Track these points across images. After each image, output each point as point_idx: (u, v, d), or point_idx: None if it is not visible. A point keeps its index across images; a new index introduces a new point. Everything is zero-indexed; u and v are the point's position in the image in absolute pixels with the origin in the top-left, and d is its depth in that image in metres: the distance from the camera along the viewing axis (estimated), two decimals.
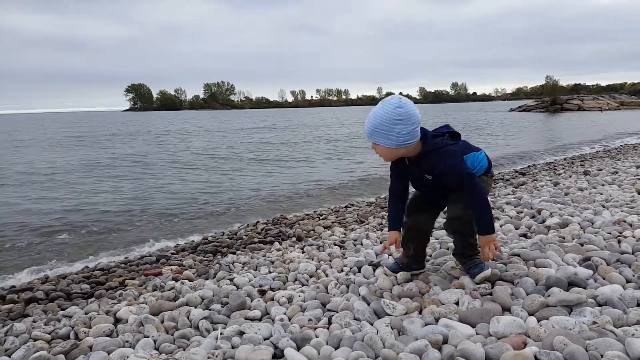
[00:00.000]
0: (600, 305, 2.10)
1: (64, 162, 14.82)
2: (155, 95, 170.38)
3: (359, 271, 3.04)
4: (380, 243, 3.90)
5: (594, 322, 1.92)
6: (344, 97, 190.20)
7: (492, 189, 6.83)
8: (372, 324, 2.16)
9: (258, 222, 6.44)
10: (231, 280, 3.20)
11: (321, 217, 6.33)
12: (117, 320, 2.65)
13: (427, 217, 2.71)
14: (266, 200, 8.57)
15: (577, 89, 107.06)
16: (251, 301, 2.66)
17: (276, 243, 4.68)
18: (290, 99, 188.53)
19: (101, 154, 17.36)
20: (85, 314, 2.84)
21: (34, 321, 2.89)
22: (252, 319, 2.43)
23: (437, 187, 2.50)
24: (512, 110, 57.18)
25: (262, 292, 2.83)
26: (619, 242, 3.02)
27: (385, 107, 2.31)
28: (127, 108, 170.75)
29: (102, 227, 6.79)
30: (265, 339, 2.14)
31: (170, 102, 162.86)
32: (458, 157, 2.38)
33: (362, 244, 3.93)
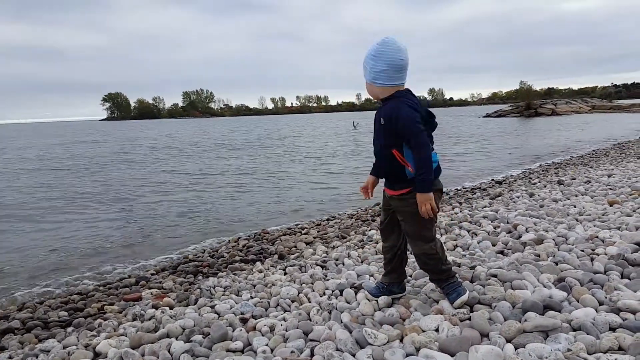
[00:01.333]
0: (574, 330, 2.16)
1: (30, 180, 14.54)
2: (133, 104, 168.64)
3: (341, 294, 3.07)
4: (362, 262, 3.94)
5: (569, 350, 1.98)
6: (324, 103, 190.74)
7: (470, 199, 6.94)
8: (354, 355, 2.19)
9: (239, 238, 6.42)
10: (212, 307, 3.19)
11: (303, 232, 6.34)
12: (97, 355, 2.62)
13: (398, 237, 2.71)
14: (247, 212, 8.55)
15: (550, 92, 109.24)
16: (233, 331, 2.66)
17: (258, 263, 4.67)
18: (270, 105, 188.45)
19: (70, 168, 17.09)
20: (64, 348, 2.79)
21: (10, 357, 2.84)
22: (234, 351, 2.43)
23: (383, 136, 2.45)
24: (487, 115, 58.01)
25: (244, 320, 2.83)
26: (592, 259, 3.10)
27: (373, 43, 2.42)
28: (104, 117, 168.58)
29: (79, 246, 6.69)
30: None
31: (149, 111, 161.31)
32: (417, 114, 2.36)
33: (343, 264, 3.95)
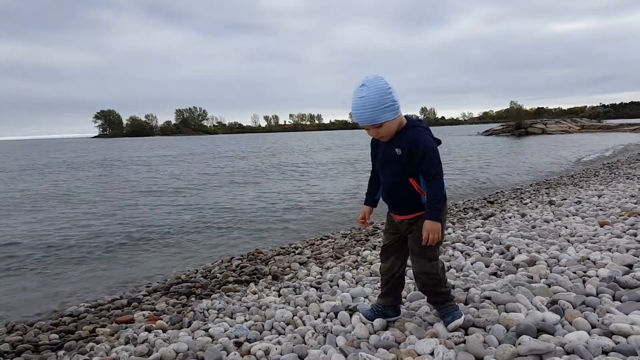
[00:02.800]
0: (568, 354, 2.18)
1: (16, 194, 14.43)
2: (125, 122, 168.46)
3: (336, 317, 3.07)
4: (356, 284, 3.94)
5: None
6: (317, 121, 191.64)
7: (463, 219, 6.98)
8: None
9: (232, 258, 6.40)
10: (206, 330, 3.17)
11: (296, 252, 6.34)
12: None
13: (396, 261, 2.74)
14: (240, 230, 8.54)
15: (540, 112, 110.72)
16: (227, 355, 2.65)
17: (252, 284, 4.66)
18: (263, 123, 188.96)
19: (57, 184, 17.00)
20: None
21: None
22: None
23: (400, 167, 2.47)
24: (478, 134, 58.59)
25: (239, 344, 2.82)
26: (584, 282, 3.14)
27: (372, 84, 2.33)
28: (96, 135, 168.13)
29: (68, 265, 6.63)
30: None
31: (141, 128, 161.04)
32: (435, 144, 2.42)
33: (338, 285, 3.96)
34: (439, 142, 2.51)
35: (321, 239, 7.17)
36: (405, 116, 2.50)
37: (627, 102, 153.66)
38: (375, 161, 2.68)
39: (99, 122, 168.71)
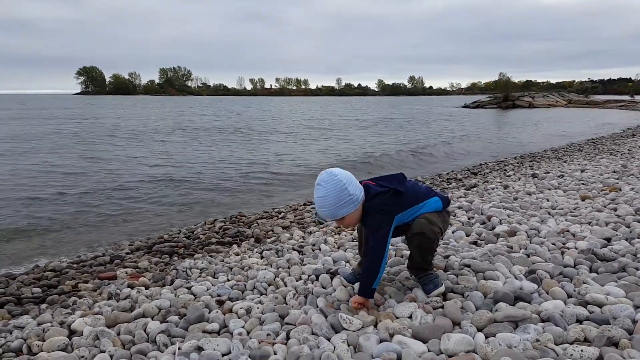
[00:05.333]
0: (543, 321, 2.23)
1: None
2: (108, 79, 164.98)
3: (317, 279, 3.10)
4: (338, 248, 3.97)
5: (537, 340, 2.05)
6: (303, 86, 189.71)
7: (445, 189, 7.04)
8: (329, 339, 2.22)
9: (216, 220, 6.40)
10: (189, 288, 3.18)
11: (279, 216, 6.35)
12: (72, 333, 2.61)
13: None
14: (224, 192, 8.54)
15: (528, 85, 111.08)
16: (209, 312, 2.67)
17: (234, 246, 4.67)
18: (249, 86, 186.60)
19: (42, 140, 16.72)
20: (38, 325, 2.77)
21: None
22: (211, 332, 2.44)
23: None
24: (465, 106, 58.59)
25: (221, 303, 2.85)
26: (563, 253, 3.20)
27: (327, 184, 2.41)
28: (78, 91, 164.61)
29: (51, 222, 6.57)
30: (223, 355, 2.17)
31: (124, 87, 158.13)
32: (386, 217, 2.48)
33: (320, 249, 3.99)
34: (400, 193, 2.54)
35: (304, 205, 7.19)
36: (368, 189, 2.53)
37: (616, 78, 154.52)
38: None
39: (82, 78, 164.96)
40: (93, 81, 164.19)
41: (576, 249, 3.28)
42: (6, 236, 5.98)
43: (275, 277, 3.27)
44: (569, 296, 2.51)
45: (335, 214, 2.44)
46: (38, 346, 2.43)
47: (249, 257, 4.06)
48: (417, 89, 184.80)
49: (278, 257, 3.93)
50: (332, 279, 3.05)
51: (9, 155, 13.11)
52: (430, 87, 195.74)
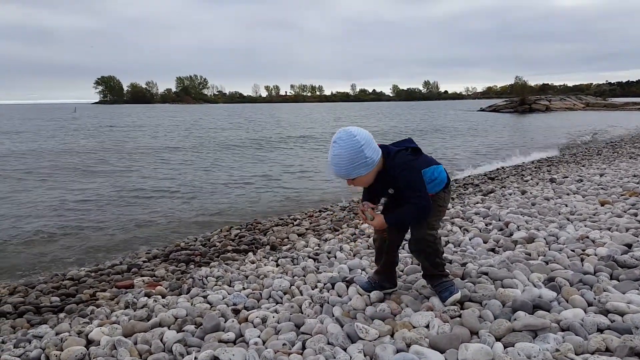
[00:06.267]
0: (563, 330, 2.19)
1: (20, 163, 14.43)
2: (126, 88, 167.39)
3: (333, 287, 3.09)
4: (354, 256, 3.96)
5: (557, 350, 2.01)
6: (318, 93, 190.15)
7: (462, 195, 6.98)
8: (345, 350, 2.21)
9: (232, 227, 6.43)
10: (205, 297, 3.20)
11: (295, 223, 6.36)
12: (89, 342, 2.63)
13: (394, 231, 2.74)
14: (240, 200, 8.58)
15: (545, 88, 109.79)
16: (225, 322, 2.67)
17: (250, 254, 4.68)
18: (264, 93, 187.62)
19: (63, 149, 16.99)
20: (56, 334, 2.80)
21: (3, 342, 2.84)
22: (227, 342, 2.44)
23: (392, 201, 2.63)
24: (482, 109, 58.17)
25: (236, 312, 2.85)
26: (582, 260, 3.14)
27: (344, 143, 2.35)
28: (97, 101, 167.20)
29: (71, 231, 6.67)
30: None
31: (142, 95, 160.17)
32: (417, 173, 2.46)
33: (335, 257, 3.98)
34: (418, 151, 2.58)
35: (320, 211, 7.18)
36: (386, 149, 2.51)
37: (634, 80, 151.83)
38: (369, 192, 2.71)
39: (100, 88, 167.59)
40: (111, 90, 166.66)
41: (596, 255, 3.22)
42: (27, 243, 6.09)
43: (291, 285, 3.26)
44: (589, 304, 2.45)
45: (348, 174, 2.40)
46: (56, 356, 2.45)
47: (265, 265, 4.06)
48: (432, 94, 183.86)
49: (294, 265, 3.93)
50: (348, 287, 3.03)
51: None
52: (446, 92, 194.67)
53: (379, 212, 2.61)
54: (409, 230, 2.68)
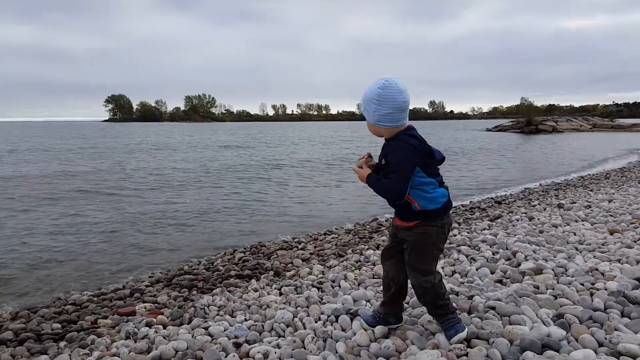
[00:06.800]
0: None
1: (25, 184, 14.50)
2: (135, 106, 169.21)
3: (337, 320, 3.03)
4: (359, 285, 3.90)
5: None
6: (324, 112, 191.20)
7: (469, 220, 6.91)
8: None
9: (235, 250, 6.39)
10: (206, 329, 3.14)
11: (299, 247, 6.31)
12: None
13: (394, 266, 2.67)
14: (244, 220, 8.55)
15: (551, 109, 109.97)
16: (226, 356, 2.62)
17: (253, 281, 4.63)
18: (271, 112, 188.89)
19: (64, 172, 17.07)
20: None
21: None
22: None
23: (385, 172, 2.47)
24: (488, 129, 58.20)
25: (238, 345, 2.80)
26: (592, 295, 3.07)
27: (373, 84, 2.40)
28: (107, 118, 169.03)
29: (74, 252, 6.65)
30: None
31: (151, 114, 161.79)
32: (406, 151, 2.36)
33: (340, 286, 3.92)
34: (440, 155, 2.48)
35: (324, 234, 7.13)
36: (409, 128, 2.47)
37: None
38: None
39: (110, 106, 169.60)
40: (121, 108, 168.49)
41: (606, 289, 3.15)
42: (31, 266, 6.07)
43: (294, 317, 3.20)
44: (600, 344, 2.39)
45: (363, 107, 2.48)
46: None
47: (268, 293, 4.01)
48: (438, 114, 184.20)
49: (297, 294, 3.88)
50: (352, 320, 2.98)
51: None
52: (452, 112, 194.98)
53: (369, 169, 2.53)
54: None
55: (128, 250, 6.78)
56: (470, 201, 9.91)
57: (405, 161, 2.34)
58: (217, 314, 3.56)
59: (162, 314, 3.72)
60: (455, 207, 9.13)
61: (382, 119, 2.39)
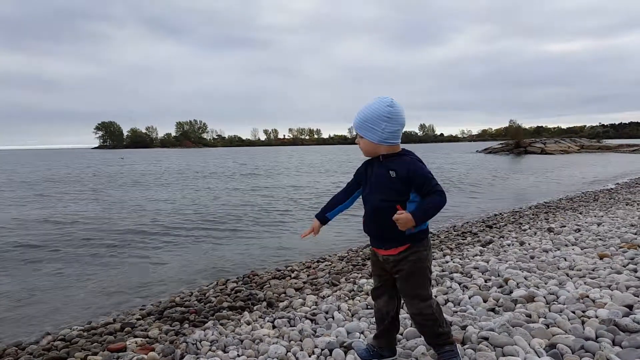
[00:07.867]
0: None
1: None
2: (126, 133, 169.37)
3: (330, 354, 3.02)
4: (352, 316, 3.89)
5: None
6: (316, 136, 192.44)
7: (461, 245, 6.93)
8: None
9: (228, 280, 6.34)
10: None
11: (292, 275, 6.29)
12: None
13: (388, 302, 2.67)
14: (237, 249, 8.51)
15: (539, 131, 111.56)
16: None
17: (246, 313, 4.60)
18: (263, 137, 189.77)
19: (58, 193, 16.97)
20: None
21: None
22: None
23: (390, 190, 2.43)
24: (477, 152, 58.84)
25: None
26: (583, 323, 3.09)
27: (377, 102, 2.41)
28: (97, 146, 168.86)
29: (63, 282, 6.58)
30: None
31: (141, 140, 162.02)
32: (421, 163, 2.47)
33: (333, 318, 3.90)
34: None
35: (318, 262, 7.12)
36: (405, 150, 2.54)
37: (627, 122, 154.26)
38: (364, 180, 2.61)
39: (100, 133, 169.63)
40: (111, 135, 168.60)
41: (597, 317, 3.17)
42: (18, 297, 5.98)
43: (287, 351, 3.18)
44: None
45: (359, 127, 2.46)
46: None
47: (261, 326, 3.98)
48: (428, 136, 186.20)
49: (290, 326, 3.85)
50: (345, 354, 2.97)
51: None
52: (442, 134, 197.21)
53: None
54: (406, 303, 2.59)
55: (118, 281, 6.71)
56: (462, 224, 9.96)
57: (427, 169, 2.43)
58: (210, 350, 3.52)
59: (154, 349, 3.68)
60: (446, 230, 9.17)
61: (390, 136, 2.42)
